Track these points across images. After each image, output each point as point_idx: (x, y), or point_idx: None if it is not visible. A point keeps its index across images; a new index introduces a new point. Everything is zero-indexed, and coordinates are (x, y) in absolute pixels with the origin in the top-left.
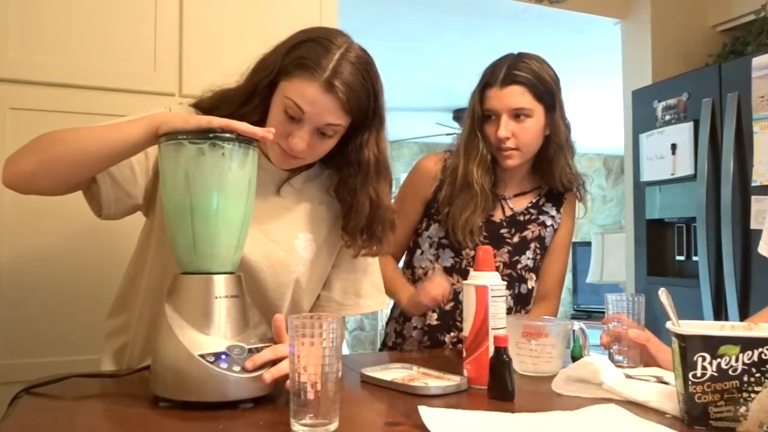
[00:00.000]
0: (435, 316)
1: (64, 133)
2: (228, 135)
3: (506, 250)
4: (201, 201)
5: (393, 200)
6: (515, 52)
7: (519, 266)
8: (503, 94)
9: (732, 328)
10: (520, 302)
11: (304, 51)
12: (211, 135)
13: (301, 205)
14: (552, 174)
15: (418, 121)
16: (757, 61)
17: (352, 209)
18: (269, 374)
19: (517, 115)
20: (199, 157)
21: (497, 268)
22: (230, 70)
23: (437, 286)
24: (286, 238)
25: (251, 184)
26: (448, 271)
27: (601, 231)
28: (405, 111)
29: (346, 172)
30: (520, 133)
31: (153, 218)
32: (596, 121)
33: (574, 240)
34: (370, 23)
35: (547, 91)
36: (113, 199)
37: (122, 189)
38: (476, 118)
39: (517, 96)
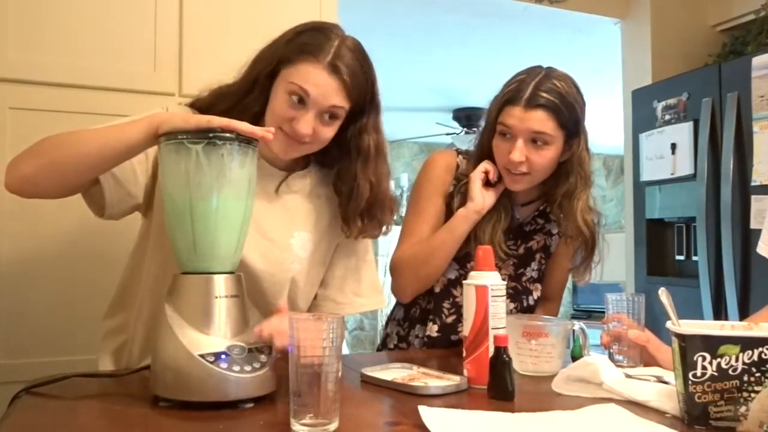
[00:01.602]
0: (435, 327)
1: (65, 135)
2: (228, 135)
3: (511, 263)
4: (201, 201)
5: (406, 202)
6: (544, 65)
7: (524, 278)
8: (525, 117)
9: (732, 327)
10: (525, 313)
11: (306, 38)
12: (211, 135)
13: (298, 203)
14: (573, 211)
15: (418, 121)
16: (757, 60)
17: (353, 193)
18: (262, 328)
19: (535, 140)
20: (199, 157)
21: None
22: (231, 70)
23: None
24: (282, 237)
25: (251, 183)
26: (453, 283)
27: (601, 231)
28: (405, 111)
29: (347, 159)
30: (534, 160)
31: (151, 218)
32: (596, 120)
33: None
34: (370, 23)
35: (572, 118)
36: (116, 199)
37: (124, 189)
38: (491, 130)
39: (540, 121)
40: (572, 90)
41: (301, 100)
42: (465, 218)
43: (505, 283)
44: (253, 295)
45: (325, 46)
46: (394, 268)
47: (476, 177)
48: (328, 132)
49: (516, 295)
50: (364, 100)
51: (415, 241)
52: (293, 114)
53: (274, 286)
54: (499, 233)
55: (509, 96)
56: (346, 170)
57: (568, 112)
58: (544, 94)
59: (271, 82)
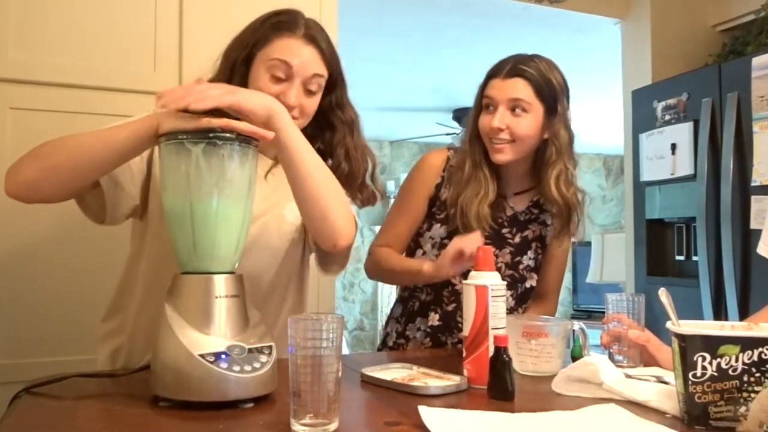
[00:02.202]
0: (437, 317)
1: (65, 139)
2: (228, 135)
3: (508, 251)
4: (201, 201)
5: (395, 199)
6: (530, 53)
7: (521, 267)
8: (505, 85)
9: (732, 327)
10: (522, 301)
11: (276, 19)
12: (211, 135)
13: (284, 181)
14: (548, 178)
15: (418, 121)
16: (757, 61)
17: (351, 165)
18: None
19: (514, 108)
20: (199, 157)
21: (499, 270)
22: None
23: (469, 240)
24: (275, 213)
25: (251, 183)
26: None
27: (601, 231)
28: (405, 111)
29: (326, 133)
30: (514, 126)
31: (147, 219)
32: (596, 120)
33: (573, 239)
34: (370, 23)
35: (550, 93)
36: (115, 201)
37: (124, 191)
38: (477, 109)
39: (519, 88)
40: (553, 71)
41: (285, 73)
42: (420, 272)
43: (505, 283)
44: (256, 277)
45: (296, 21)
46: (368, 257)
47: (449, 251)
48: (313, 104)
49: (513, 283)
50: (336, 71)
51: (390, 237)
52: (279, 89)
53: (275, 260)
54: (485, 207)
55: (492, 72)
56: (329, 144)
57: (547, 86)
58: (524, 67)
59: (248, 69)
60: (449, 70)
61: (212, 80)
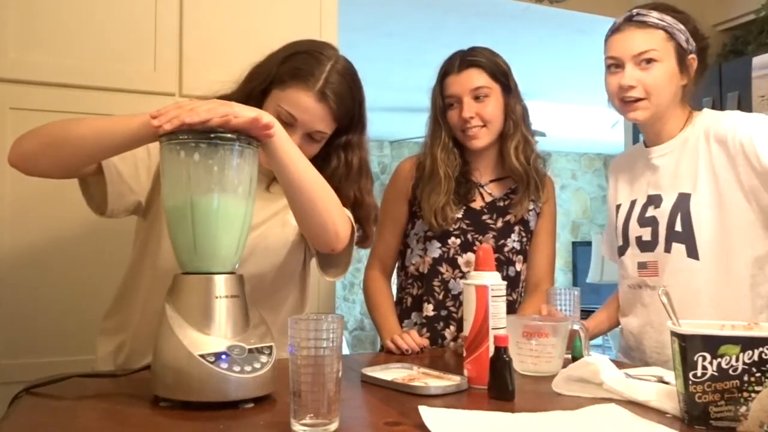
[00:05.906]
0: (431, 307)
1: (69, 120)
2: (229, 135)
3: (491, 236)
4: (201, 200)
5: (379, 206)
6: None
7: (506, 249)
8: (462, 78)
9: (732, 327)
10: (509, 286)
11: (299, 62)
12: (212, 135)
13: None
14: (508, 149)
15: (418, 121)
16: (757, 60)
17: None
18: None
19: (477, 96)
20: (200, 157)
21: None
22: (230, 69)
23: (408, 340)
24: (277, 219)
25: (252, 184)
26: (438, 261)
27: (602, 231)
28: (405, 111)
29: (327, 168)
30: (482, 111)
31: (153, 219)
32: (597, 120)
33: (574, 240)
34: (370, 23)
35: (501, 71)
36: (117, 192)
37: (126, 183)
38: (438, 109)
39: (476, 76)
40: (495, 54)
41: (290, 122)
42: (383, 338)
43: (505, 283)
44: (258, 279)
45: (315, 72)
46: (364, 276)
47: (388, 345)
48: (313, 150)
49: (499, 266)
50: (350, 120)
51: (381, 251)
52: None
53: (277, 263)
54: (442, 200)
55: (443, 72)
56: (329, 179)
57: (497, 69)
58: (472, 58)
59: (264, 98)
60: None
61: (230, 97)
